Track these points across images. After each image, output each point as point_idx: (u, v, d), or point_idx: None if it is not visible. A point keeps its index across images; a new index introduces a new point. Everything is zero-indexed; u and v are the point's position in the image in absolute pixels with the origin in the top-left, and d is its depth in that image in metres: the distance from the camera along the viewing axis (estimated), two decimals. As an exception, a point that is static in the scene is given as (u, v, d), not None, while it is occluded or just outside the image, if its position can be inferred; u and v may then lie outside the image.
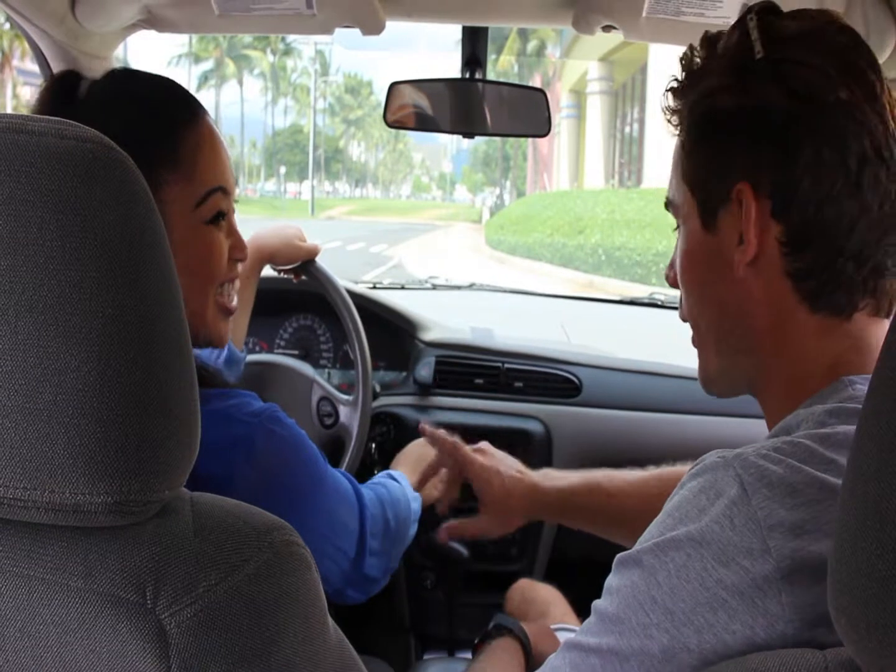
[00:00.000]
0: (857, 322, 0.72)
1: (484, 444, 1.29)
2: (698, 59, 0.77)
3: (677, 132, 0.80)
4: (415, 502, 1.33)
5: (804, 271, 0.71)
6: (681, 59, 0.79)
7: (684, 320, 0.85)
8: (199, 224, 0.96)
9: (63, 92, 0.94)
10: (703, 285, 0.79)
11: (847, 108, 0.69)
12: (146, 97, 0.96)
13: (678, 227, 0.82)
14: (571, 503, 1.20)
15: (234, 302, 1.05)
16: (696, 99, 0.76)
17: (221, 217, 0.98)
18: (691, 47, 0.78)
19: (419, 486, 1.40)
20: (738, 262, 0.73)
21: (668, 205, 0.83)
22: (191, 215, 0.95)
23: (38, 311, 0.50)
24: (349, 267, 14.32)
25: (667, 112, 0.80)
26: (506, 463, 1.25)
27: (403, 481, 1.34)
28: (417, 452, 1.51)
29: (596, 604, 0.69)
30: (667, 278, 0.86)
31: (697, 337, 0.83)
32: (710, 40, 0.77)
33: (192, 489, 0.61)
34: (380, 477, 1.33)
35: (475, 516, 1.25)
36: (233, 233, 1.03)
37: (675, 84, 0.79)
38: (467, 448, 1.27)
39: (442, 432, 1.29)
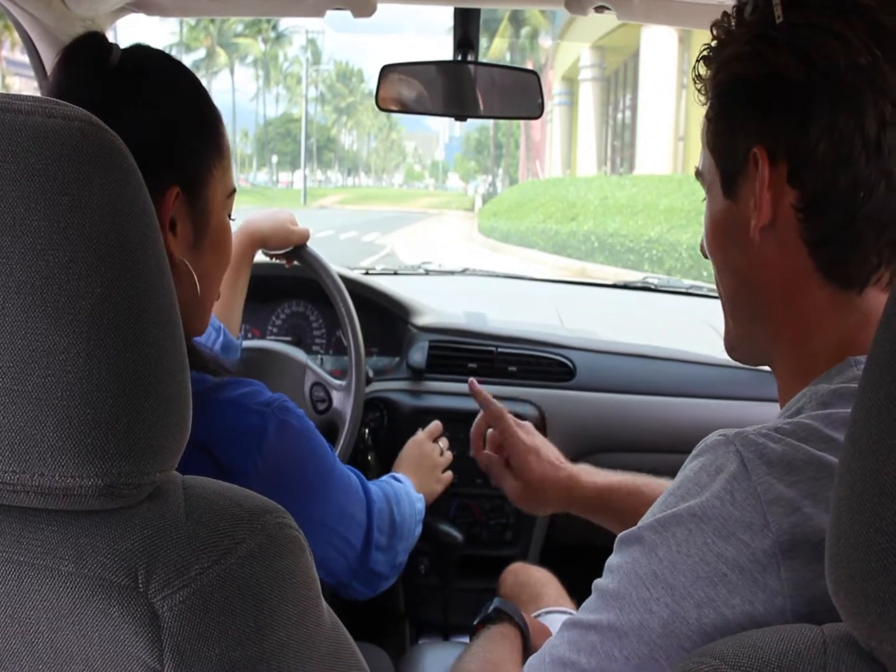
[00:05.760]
0: (868, 298, 0.71)
1: (528, 424, 1.27)
2: (726, 27, 0.76)
3: (706, 102, 0.79)
4: (419, 503, 1.34)
5: (821, 237, 0.70)
6: (712, 28, 0.77)
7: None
8: (225, 215, 0.97)
9: (91, 58, 0.87)
10: (723, 253, 0.79)
11: (866, 74, 0.66)
12: (192, 80, 0.93)
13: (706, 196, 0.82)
14: (608, 502, 1.18)
15: None
16: (719, 68, 0.76)
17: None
18: (724, 14, 0.76)
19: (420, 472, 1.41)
20: (753, 227, 0.73)
21: (698, 174, 0.82)
22: (222, 206, 0.96)
23: (26, 293, 0.49)
24: (342, 256, 14.22)
25: (697, 81, 0.79)
26: (546, 448, 1.24)
27: (407, 483, 1.35)
28: (416, 453, 1.51)
29: (596, 582, 0.69)
30: (701, 250, 0.85)
31: (722, 303, 0.83)
32: (739, 8, 0.75)
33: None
34: (384, 478, 1.34)
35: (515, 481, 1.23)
36: None
37: (705, 53, 0.78)
38: (512, 419, 1.25)
39: (489, 395, 1.27)
